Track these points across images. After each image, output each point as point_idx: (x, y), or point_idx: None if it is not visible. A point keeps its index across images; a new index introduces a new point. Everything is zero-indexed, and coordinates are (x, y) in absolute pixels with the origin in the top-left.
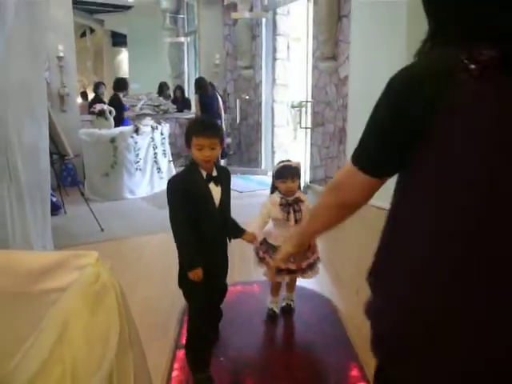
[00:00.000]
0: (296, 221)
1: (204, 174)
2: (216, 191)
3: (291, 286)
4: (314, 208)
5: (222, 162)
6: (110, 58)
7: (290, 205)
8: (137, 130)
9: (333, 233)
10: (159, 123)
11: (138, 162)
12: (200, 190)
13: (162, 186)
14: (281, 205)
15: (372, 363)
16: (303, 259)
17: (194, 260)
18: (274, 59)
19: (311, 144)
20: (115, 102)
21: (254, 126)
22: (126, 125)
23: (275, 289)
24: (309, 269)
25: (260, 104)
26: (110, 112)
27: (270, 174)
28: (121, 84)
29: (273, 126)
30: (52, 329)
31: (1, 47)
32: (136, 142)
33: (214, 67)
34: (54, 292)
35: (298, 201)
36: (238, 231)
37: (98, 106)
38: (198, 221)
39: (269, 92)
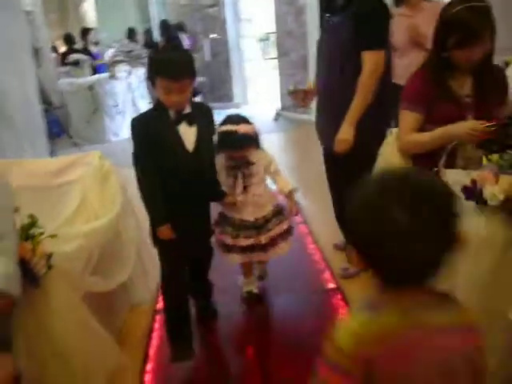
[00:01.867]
0: (245, 187)
1: (172, 113)
2: (189, 133)
3: (247, 267)
4: None
5: (197, 100)
6: (75, 8)
7: (239, 168)
8: (113, 76)
9: None
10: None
11: (116, 105)
12: (165, 134)
13: None
14: (226, 167)
15: None
16: (262, 232)
17: (159, 216)
18: None
19: (279, 73)
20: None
21: (224, 63)
22: (103, 72)
23: (247, 267)
24: (272, 244)
25: (227, 41)
26: (85, 61)
27: (244, 107)
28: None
29: (241, 61)
30: (76, 196)
31: None
32: (113, 88)
33: (180, 7)
34: (69, 184)
35: (248, 163)
36: (216, 192)
37: (75, 56)
38: (165, 170)
39: (234, 28)
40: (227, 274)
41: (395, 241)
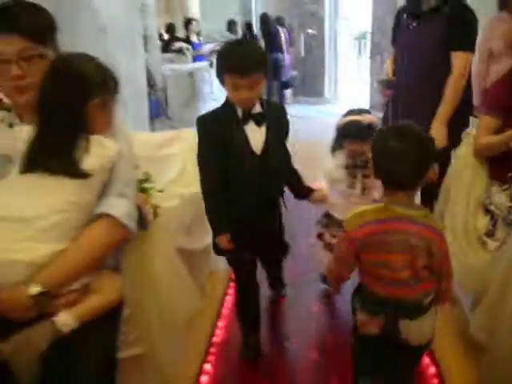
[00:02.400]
0: (364, 189)
1: (239, 111)
2: (257, 134)
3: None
4: None
5: (288, 94)
6: None
7: (359, 167)
8: (211, 65)
9: None
10: None
11: (212, 92)
12: (231, 134)
13: None
14: (347, 167)
15: None
16: None
17: (219, 224)
18: None
19: (370, 73)
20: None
21: (318, 59)
22: (202, 61)
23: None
24: None
25: (323, 37)
26: (187, 49)
27: (334, 102)
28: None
29: (335, 58)
30: (177, 166)
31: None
32: (210, 76)
33: (280, 2)
34: (170, 155)
35: (368, 163)
36: (301, 189)
37: (178, 45)
38: (231, 172)
39: (332, 25)
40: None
41: (390, 158)
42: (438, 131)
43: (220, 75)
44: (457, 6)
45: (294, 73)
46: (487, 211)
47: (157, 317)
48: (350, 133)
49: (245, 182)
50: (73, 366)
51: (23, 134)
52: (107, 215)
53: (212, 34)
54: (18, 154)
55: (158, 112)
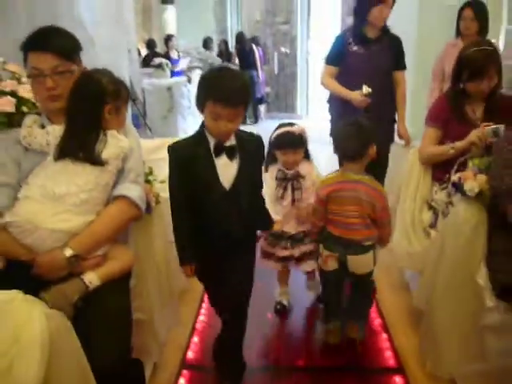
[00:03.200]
0: (293, 201)
1: (212, 143)
2: (228, 168)
3: (286, 278)
4: None
5: (262, 109)
6: (157, 15)
7: (289, 180)
8: (189, 80)
9: None
10: None
11: (189, 107)
12: (200, 166)
13: None
14: (277, 179)
15: None
16: (297, 245)
17: (184, 253)
18: (308, 15)
19: None
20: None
21: (290, 77)
22: (180, 75)
23: (282, 277)
24: (305, 258)
25: (296, 56)
26: (167, 64)
27: (305, 118)
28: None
29: (307, 75)
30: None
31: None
32: (188, 90)
33: (255, 23)
34: (160, 160)
35: (299, 176)
36: (264, 223)
37: (157, 60)
38: (200, 206)
39: (304, 45)
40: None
41: (342, 139)
42: (405, 131)
43: (201, 102)
44: (392, 34)
45: (268, 89)
46: (430, 207)
47: (156, 288)
48: (282, 143)
49: (211, 216)
50: (98, 317)
51: (55, 131)
52: (124, 197)
53: (188, 50)
54: (51, 148)
55: (139, 123)
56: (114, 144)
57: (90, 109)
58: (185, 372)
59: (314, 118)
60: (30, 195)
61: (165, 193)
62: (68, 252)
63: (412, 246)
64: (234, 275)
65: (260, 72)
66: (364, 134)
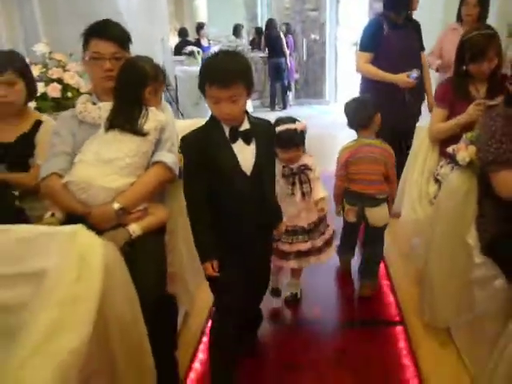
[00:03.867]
0: (303, 194)
1: (226, 129)
2: (246, 153)
3: (298, 271)
4: None
5: (290, 96)
6: (188, 3)
7: (295, 174)
8: None
9: None
10: None
11: None
12: (218, 154)
13: None
14: (283, 176)
15: None
16: (316, 235)
17: (206, 250)
18: (337, 1)
19: None
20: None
21: (319, 63)
22: None
23: (297, 270)
24: (326, 247)
25: (324, 42)
26: (198, 52)
27: (333, 104)
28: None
29: (336, 62)
30: None
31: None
32: None
33: (284, 10)
34: None
35: (305, 169)
36: (277, 217)
37: (189, 48)
38: (220, 196)
39: (332, 31)
40: None
41: (354, 112)
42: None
43: (201, 87)
44: (414, 19)
45: (297, 76)
46: (436, 180)
47: (186, 243)
48: (284, 141)
49: (235, 206)
50: (140, 255)
51: (105, 107)
52: (161, 162)
53: (219, 38)
54: (102, 121)
55: (172, 109)
56: (153, 118)
57: (134, 89)
58: None
59: (342, 103)
60: (85, 160)
61: None
62: (116, 206)
63: (417, 215)
64: (257, 265)
65: (288, 59)
66: (369, 106)
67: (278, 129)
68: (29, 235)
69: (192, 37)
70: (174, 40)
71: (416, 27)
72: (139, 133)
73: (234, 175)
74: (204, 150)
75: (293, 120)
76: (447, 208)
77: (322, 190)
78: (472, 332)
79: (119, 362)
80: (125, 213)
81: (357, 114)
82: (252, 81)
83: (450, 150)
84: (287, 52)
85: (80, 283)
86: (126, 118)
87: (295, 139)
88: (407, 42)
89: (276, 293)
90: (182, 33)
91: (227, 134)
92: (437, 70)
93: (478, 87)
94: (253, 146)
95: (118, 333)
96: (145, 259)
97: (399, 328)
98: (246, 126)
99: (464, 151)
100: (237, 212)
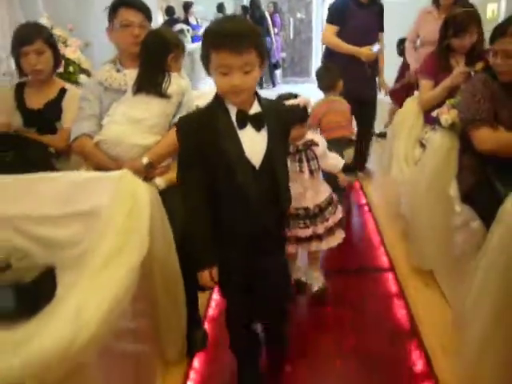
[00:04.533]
0: (311, 171)
1: (233, 112)
2: (255, 141)
3: (314, 260)
4: None
5: (277, 74)
6: None
7: (301, 151)
8: None
9: None
10: None
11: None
12: (220, 143)
13: None
14: (289, 153)
15: None
16: (316, 221)
17: (203, 257)
18: None
19: None
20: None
21: (305, 42)
22: (199, 41)
23: (292, 255)
24: (328, 235)
25: (311, 22)
26: (188, 30)
27: None
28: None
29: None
30: None
31: None
32: None
33: None
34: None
35: (312, 144)
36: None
37: (178, 26)
38: (219, 191)
39: (319, 11)
40: None
41: (320, 78)
42: (383, 83)
43: (205, 56)
44: (378, 1)
45: (284, 54)
46: (422, 145)
47: None
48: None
49: (238, 204)
50: (166, 209)
51: (130, 74)
52: None
53: (206, 17)
54: (128, 86)
55: None
56: (175, 83)
57: (158, 56)
58: None
59: None
60: (115, 120)
61: None
62: (145, 160)
63: (404, 176)
64: (267, 276)
65: (274, 38)
66: (334, 71)
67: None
68: (79, 180)
69: (178, 15)
70: (160, 19)
71: (379, 9)
72: (164, 96)
73: (239, 168)
74: (204, 136)
75: (294, 95)
76: (431, 165)
77: (339, 159)
78: (452, 272)
79: (158, 290)
80: (151, 167)
81: (325, 78)
82: (265, 50)
83: (434, 113)
84: (271, 31)
85: (132, 217)
86: (151, 83)
87: (300, 116)
88: (369, 20)
89: (300, 286)
90: (170, 11)
91: (234, 118)
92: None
93: (458, 60)
94: (264, 133)
95: (158, 263)
96: (170, 207)
97: (389, 274)
98: (256, 108)
99: (446, 114)
100: (240, 212)
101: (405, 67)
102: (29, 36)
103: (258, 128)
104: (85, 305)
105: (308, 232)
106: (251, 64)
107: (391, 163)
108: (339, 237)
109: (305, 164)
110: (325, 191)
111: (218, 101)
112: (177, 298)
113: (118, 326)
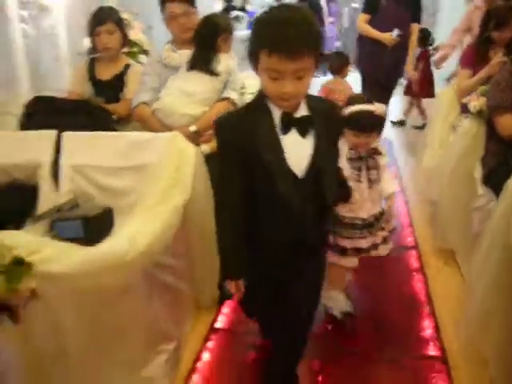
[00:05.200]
0: (370, 181)
1: (277, 114)
2: (300, 148)
3: (341, 279)
4: None
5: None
6: None
7: (362, 159)
8: None
9: None
10: None
11: None
12: (260, 148)
13: None
14: (350, 159)
15: None
16: (377, 230)
17: (231, 266)
18: None
19: None
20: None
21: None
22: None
23: (338, 277)
24: (383, 243)
25: None
26: (242, 17)
27: None
28: None
29: None
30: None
31: None
32: None
33: None
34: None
35: (375, 153)
36: (346, 193)
37: (234, 13)
38: (257, 201)
39: None
40: None
41: (331, 59)
42: (410, 69)
43: (254, 54)
44: None
45: (338, 43)
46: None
47: None
48: (359, 125)
49: (277, 216)
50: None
51: (185, 53)
52: (228, 98)
53: (263, 4)
54: (182, 64)
55: None
56: (224, 62)
57: (210, 37)
58: None
59: None
60: (171, 93)
61: None
62: (193, 128)
63: (437, 162)
64: (298, 287)
65: (328, 27)
66: (341, 59)
67: (354, 109)
68: (137, 139)
69: (235, 3)
70: (219, 6)
71: (414, 1)
72: (214, 73)
73: (278, 177)
74: (242, 140)
75: (368, 100)
76: (458, 148)
77: (393, 183)
78: (470, 252)
79: (195, 237)
80: (198, 135)
81: (334, 62)
82: (322, 51)
83: (464, 100)
84: (325, 20)
85: (178, 170)
86: (203, 61)
87: (373, 124)
88: (400, 12)
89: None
90: None
91: (277, 121)
92: None
93: (497, 52)
94: (310, 139)
95: (197, 214)
96: (212, 171)
97: (413, 251)
98: (303, 111)
99: (475, 101)
100: (282, 221)
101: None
102: (102, 18)
103: (303, 133)
104: (138, 231)
105: (368, 242)
106: (306, 70)
107: (424, 152)
108: (391, 246)
109: (364, 173)
110: (380, 201)
111: (260, 100)
112: (211, 247)
113: (161, 260)
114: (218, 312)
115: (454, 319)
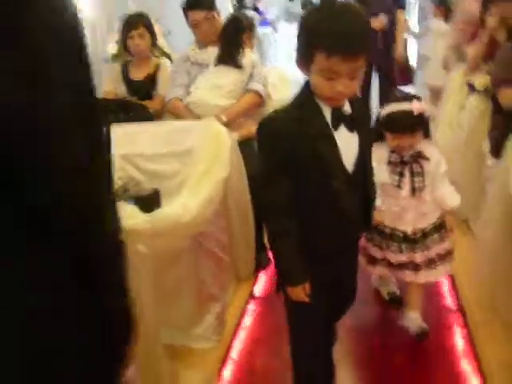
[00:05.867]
0: (413, 189)
1: (327, 112)
2: (349, 143)
3: (415, 298)
4: None
5: None
6: None
7: (406, 163)
8: (275, 30)
9: None
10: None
11: (275, 55)
12: (316, 147)
13: None
14: (390, 163)
15: None
16: (416, 248)
17: (296, 272)
18: None
19: None
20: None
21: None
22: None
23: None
24: (427, 266)
25: None
26: (255, 16)
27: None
28: None
29: None
30: None
31: None
32: (275, 40)
33: None
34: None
35: (419, 157)
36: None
37: (247, 12)
38: (308, 202)
39: None
40: None
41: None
42: (400, 53)
43: (306, 55)
44: None
45: None
46: None
47: None
48: (396, 126)
49: (330, 214)
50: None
51: (211, 50)
52: (253, 90)
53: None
54: (211, 60)
55: None
56: (248, 57)
57: (235, 34)
58: None
59: None
60: (201, 86)
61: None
62: (223, 117)
63: (447, 139)
64: (348, 279)
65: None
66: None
67: (390, 109)
68: (179, 127)
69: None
70: (229, 6)
71: None
72: (239, 66)
73: (334, 173)
74: (294, 140)
75: (409, 97)
76: (467, 124)
77: (456, 195)
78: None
79: (233, 213)
80: (228, 124)
81: None
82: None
83: (470, 80)
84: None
85: (217, 151)
86: (229, 56)
87: (411, 125)
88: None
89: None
90: None
91: (328, 118)
92: None
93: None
94: (356, 135)
95: (234, 192)
96: (242, 155)
97: None
98: (347, 107)
99: (481, 79)
100: (331, 222)
101: None
102: (134, 22)
103: (351, 129)
104: (188, 200)
105: (401, 258)
106: (360, 68)
107: (436, 130)
108: (443, 271)
109: (406, 179)
110: (432, 214)
111: (310, 97)
112: (248, 221)
113: (207, 229)
114: (255, 282)
115: (469, 281)
